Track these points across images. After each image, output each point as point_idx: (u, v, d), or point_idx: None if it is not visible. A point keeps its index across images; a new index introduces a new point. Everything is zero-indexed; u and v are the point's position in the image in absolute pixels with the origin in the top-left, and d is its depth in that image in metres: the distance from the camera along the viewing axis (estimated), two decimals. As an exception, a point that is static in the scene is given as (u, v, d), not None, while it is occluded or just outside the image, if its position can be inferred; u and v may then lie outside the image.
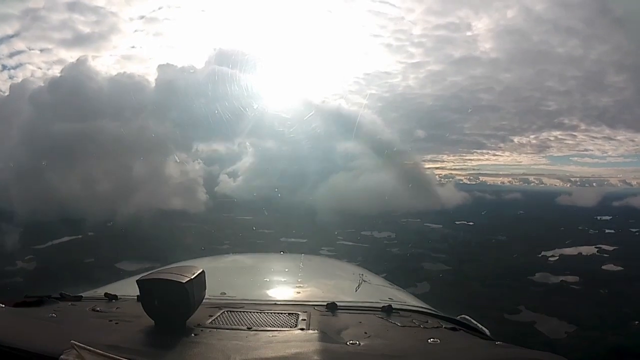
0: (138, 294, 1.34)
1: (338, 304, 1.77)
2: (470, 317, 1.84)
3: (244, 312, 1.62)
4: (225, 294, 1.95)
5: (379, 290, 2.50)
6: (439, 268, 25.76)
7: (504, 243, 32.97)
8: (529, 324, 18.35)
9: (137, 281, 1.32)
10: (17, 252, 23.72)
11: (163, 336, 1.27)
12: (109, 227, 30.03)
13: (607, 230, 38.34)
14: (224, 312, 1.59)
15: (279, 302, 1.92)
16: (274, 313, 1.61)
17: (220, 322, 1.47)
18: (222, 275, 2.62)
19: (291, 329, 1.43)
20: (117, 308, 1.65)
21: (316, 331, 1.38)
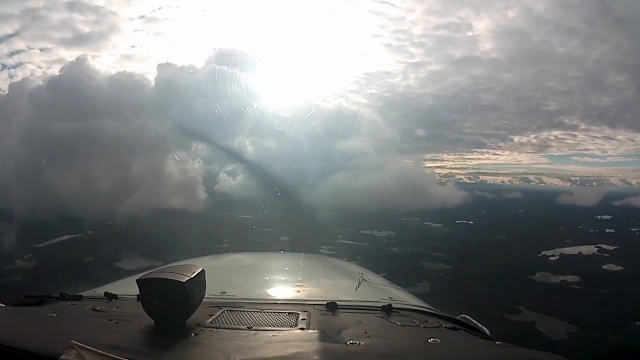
0: (138, 293, 1.34)
1: (338, 303, 1.77)
2: (470, 316, 1.84)
3: (244, 311, 1.62)
4: (225, 293, 1.95)
5: (379, 290, 2.50)
6: (439, 267, 25.76)
7: (504, 242, 32.96)
8: (529, 324, 18.35)
9: (137, 280, 1.32)
10: (16, 251, 23.67)
11: (163, 336, 1.27)
12: (108, 226, 30.03)
13: (607, 230, 38.33)
14: (224, 311, 1.59)
15: (279, 302, 1.92)
16: (274, 312, 1.61)
17: (220, 322, 1.47)
18: (222, 274, 2.62)
19: (291, 328, 1.43)
20: (117, 307, 1.65)
21: (316, 331, 1.37)
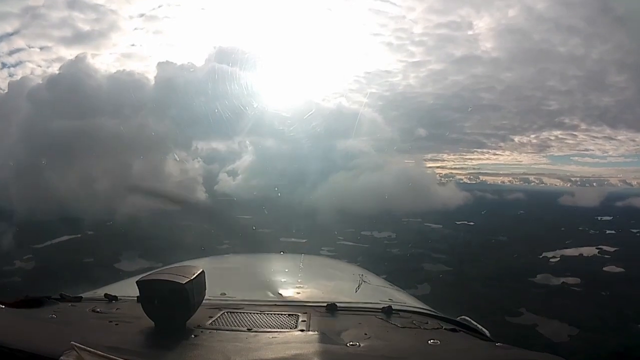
0: (138, 294, 1.34)
1: (338, 304, 1.78)
2: (470, 318, 1.84)
3: (244, 313, 1.62)
4: (225, 294, 1.96)
5: (378, 291, 2.50)
6: (439, 269, 25.72)
7: (505, 243, 32.93)
8: (530, 327, 18.29)
9: (137, 282, 1.32)
10: (15, 251, 23.65)
11: (163, 337, 1.27)
12: (108, 226, 29.98)
13: (607, 231, 38.29)
14: (224, 313, 1.59)
15: (279, 303, 1.92)
16: (274, 314, 1.61)
17: (220, 323, 1.47)
18: (222, 275, 2.62)
19: (291, 330, 1.43)
20: (117, 309, 1.65)
21: (316, 332, 1.38)
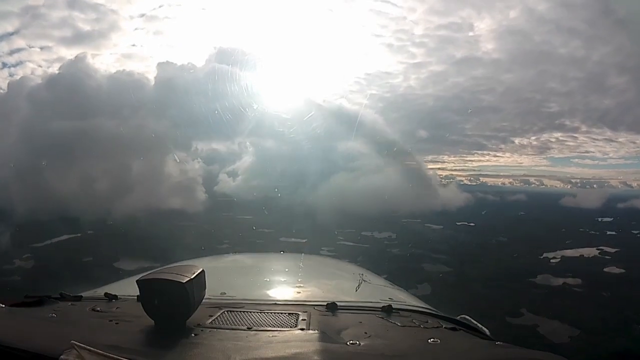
0: (138, 293, 1.34)
1: (338, 304, 1.78)
2: (470, 317, 1.84)
3: (244, 312, 1.62)
4: (225, 293, 1.96)
5: (379, 290, 2.50)
6: (439, 269, 25.70)
7: (505, 244, 32.93)
8: (531, 327, 18.25)
9: (137, 281, 1.32)
10: (15, 250, 23.65)
11: (163, 336, 1.27)
12: (108, 226, 30.03)
13: (608, 232, 38.34)
14: (224, 312, 1.59)
15: (279, 302, 1.92)
16: (274, 313, 1.61)
17: (220, 322, 1.48)
18: (222, 275, 2.62)
19: (291, 329, 1.43)
20: (117, 308, 1.65)
21: (316, 331, 1.38)
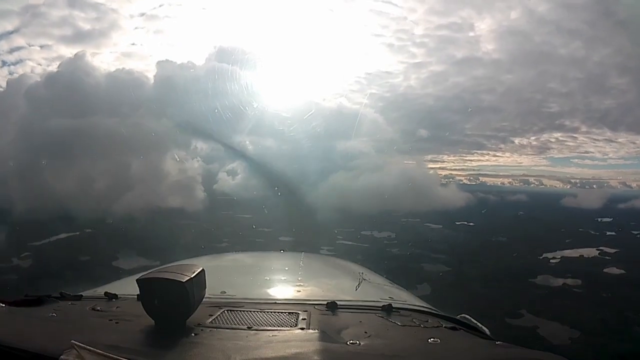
0: (138, 293, 1.34)
1: (338, 303, 1.77)
2: (470, 316, 1.84)
3: (244, 311, 1.62)
4: (225, 292, 1.95)
5: (379, 289, 2.50)
6: (439, 269, 25.71)
7: (505, 244, 32.93)
8: (531, 328, 18.23)
9: (137, 280, 1.32)
10: (13, 249, 23.61)
11: (163, 335, 1.27)
12: (107, 225, 29.97)
13: (608, 233, 38.32)
14: (224, 311, 1.59)
15: (279, 301, 1.92)
16: (274, 312, 1.61)
17: (221, 322, 1.47)
18: (222, 274, 2.62)
19: (291, 328, 1.43)
20: (117, 307, 1.65)
21: (316, 330, 1.37)
